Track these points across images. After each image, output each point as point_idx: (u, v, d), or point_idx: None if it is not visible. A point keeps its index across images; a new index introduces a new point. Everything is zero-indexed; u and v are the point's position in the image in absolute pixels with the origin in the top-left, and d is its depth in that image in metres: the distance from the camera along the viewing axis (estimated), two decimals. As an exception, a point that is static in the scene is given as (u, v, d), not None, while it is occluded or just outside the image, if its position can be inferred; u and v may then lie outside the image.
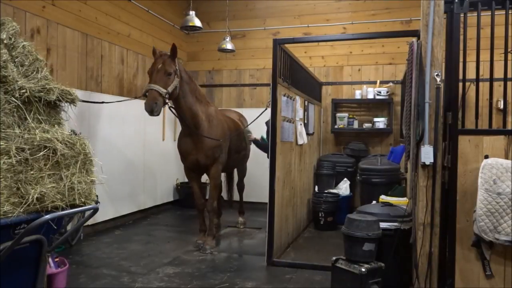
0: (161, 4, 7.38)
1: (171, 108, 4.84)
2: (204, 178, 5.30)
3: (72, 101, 2.85)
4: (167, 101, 4.39)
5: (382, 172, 5.83)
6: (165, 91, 4.27)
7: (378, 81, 7.25)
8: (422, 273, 3.20)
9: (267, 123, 5.08)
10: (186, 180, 7.36)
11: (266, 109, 4.85)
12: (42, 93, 2.64)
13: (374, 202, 4.36)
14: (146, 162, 6.71)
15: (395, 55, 7.29)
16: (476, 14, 3.16)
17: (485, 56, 3.20)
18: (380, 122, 7.05)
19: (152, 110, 4.19)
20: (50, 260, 3.24)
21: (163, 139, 7.22)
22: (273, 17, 7.86)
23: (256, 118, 5.24)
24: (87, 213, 2.84)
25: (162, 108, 4.38)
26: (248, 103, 7.93)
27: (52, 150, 2.44)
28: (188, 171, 5.14)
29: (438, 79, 3.14)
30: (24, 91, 2.54)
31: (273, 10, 7.88)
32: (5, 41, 2.72)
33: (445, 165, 3.17)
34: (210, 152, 4.84)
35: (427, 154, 3.14)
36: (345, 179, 6.63)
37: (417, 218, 3.24)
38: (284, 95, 4.72)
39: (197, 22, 6.14)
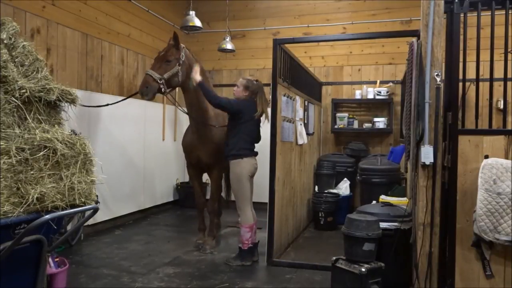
0: (161, 4, 7.38)
1: (179, 107, 4.98)
2: (205, 177, 5.30)
3: (72, 101, 2.85)
4: (161, 86, 4.45)
5: (382, 172, 5.83)
6: (159, 76, 4.43)
7: (378, 81, 7.25)
8: (422, 273, 3.20)
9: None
10: (186, 180, 7.42)
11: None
12: (42, 93, 2.64)
13: (374, 202, 4.37)
14: (146, 162, 6.71)
15: (395, 55, 7.29)
16: (476, 14, 3.16)
17: (485, 56, 3.19)
18: (380, 122, 7.05)
19: (142, 93, 4.47)
20: (50, 260, 3.24)
21: (163, 139, 7.21)
22: (273, 17, 7.86)
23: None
24: (87, 213, 2.84)
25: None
26: (248, 103, 7.90)
27: (52, 150, 2.44)
28: (190, 168, 5.13)
29: (438, 79, 3.14)
30: (24, 91, 2.54)
31: (273, 10, 7.88)
32: (5, 41, 2.72)
33: (445, 165, 3.17)
34: (214, 150, 4.82)
35: (427, 154, 3.14)
36: (345, 179, 6.63)
37: (417, 218, 3.24)
38: (284, 95, 4.72)
39: (197, 22, 6.15)
